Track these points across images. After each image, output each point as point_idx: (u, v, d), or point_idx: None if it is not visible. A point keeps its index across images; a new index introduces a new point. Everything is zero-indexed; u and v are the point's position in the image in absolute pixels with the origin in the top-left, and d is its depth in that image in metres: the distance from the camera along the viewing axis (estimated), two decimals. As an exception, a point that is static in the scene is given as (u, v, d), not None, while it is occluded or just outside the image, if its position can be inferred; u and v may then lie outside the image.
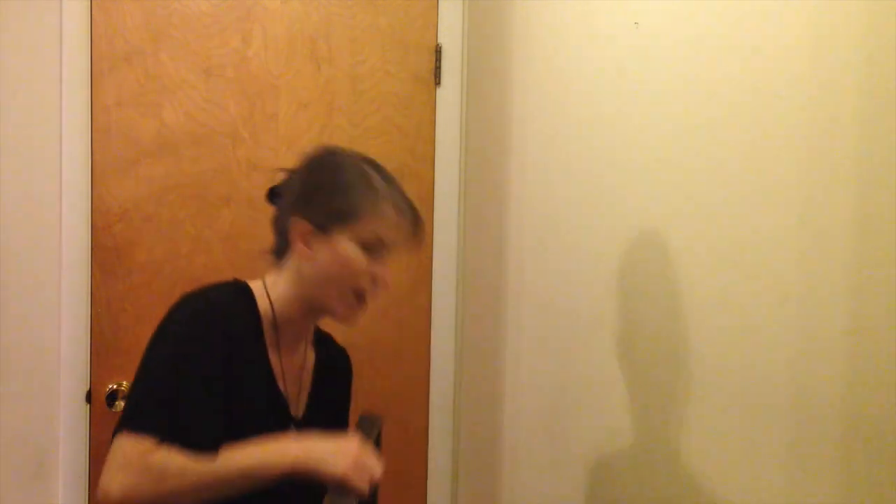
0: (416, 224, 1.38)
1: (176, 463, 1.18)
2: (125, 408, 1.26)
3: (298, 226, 1.35)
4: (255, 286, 1.39)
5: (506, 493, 1.99)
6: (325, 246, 1.33)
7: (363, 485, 1.17)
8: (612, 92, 1.55)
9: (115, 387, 2.15)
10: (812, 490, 1.04)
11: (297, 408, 1.41)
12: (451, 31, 2.36)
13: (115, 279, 2.17)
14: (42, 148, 2.17)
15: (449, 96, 2.36)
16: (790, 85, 1.07)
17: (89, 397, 2.13)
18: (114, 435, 1.22)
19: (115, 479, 1.16)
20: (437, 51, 2.35)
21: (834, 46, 0.99)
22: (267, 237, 1.43)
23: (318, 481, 1.18)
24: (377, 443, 1.36)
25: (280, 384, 1.38)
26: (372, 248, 1.34)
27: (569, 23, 1.75)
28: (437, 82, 2.37)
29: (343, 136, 2.30)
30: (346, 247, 1.32)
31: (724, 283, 1.22)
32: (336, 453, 1.19)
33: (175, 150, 2.22)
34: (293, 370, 1.42)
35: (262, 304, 1.37)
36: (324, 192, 1.37)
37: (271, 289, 1.39)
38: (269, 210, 1.45)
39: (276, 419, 1.36)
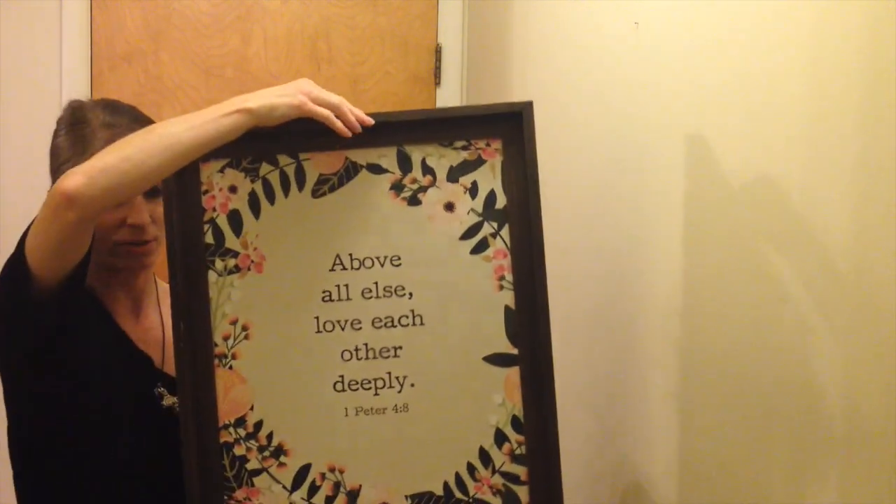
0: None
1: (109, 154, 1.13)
2: None
3: None
4: None
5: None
6: None
7: (324, 112, 1.15)
8: (612, 92, 1.55)
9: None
10: (812, 490, 1.04)
11: (170, 366, 1.30)
12: (451, 31, 2.36)
13: (115, 279, 2.17)
14: (42, 148, 2.17)
15: (449, 96, 2.36)
16: (791, 85, 1.07)
17: (89, 397, 2.13)
18: None
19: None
20: (437, 51, 2.36)
21: (835, 46, 0.99)
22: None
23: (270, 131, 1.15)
24: None
25: (141, 346, 1.33)
26: None
27: (569, 22, 1.76)
28: (437, 82, 2.37)
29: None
30: None
31: (724, 284, 1.22)
32: (281, 92, 1.17)
33: (175, 150, 2.23)
34: (153, 332, 1.36)
35: None
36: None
37: None
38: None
39: (139, 376, 1.31)
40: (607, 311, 1.58)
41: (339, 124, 1.16)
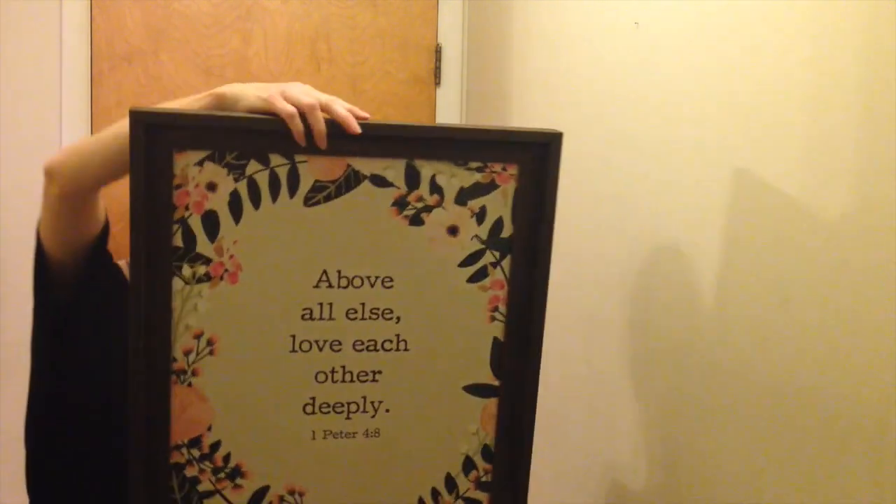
0: None
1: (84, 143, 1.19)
2: None
3: None
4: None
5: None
6: None
7: (287, 107, 1.03)
8: (612, 92, 1.55)
9: (115, 387, 2.15)
10: (812, 490, 1.04)
11: None
12: (451, 31, 2.36)
13: (115, 279, 2.17)
14: (42, 148, 2.17)
15: (449, 96, 2.37)
16: (791, 85, 1.07)
17: (89, 397, 2.13)
18: None
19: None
20: (437, 51, 2.36)
21: (835, 46, 0.99)
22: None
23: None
24: None
25: None
26: None
27: (569, 23, 1.76)
28: (437, 82, 2.37)
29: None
30: None
31: (724, 284, 1.22)
32: (262, 86, 1.09)
33: (175, 150, 2.23)
34: None
35: (125, 268, 1.37)
36: None
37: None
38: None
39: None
40: (607, 311, 1.58)
41: (296, 127, 1.04)
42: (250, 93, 1.08)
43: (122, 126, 1.14)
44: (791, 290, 1.07)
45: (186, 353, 1.09)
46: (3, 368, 2.08)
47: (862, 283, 0.95)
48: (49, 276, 1.25)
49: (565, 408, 1.68)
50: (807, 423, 1.03)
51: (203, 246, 1.07)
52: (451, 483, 1.18)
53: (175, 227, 1.06)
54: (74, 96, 2.18)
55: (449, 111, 2.36)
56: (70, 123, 2.17)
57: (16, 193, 2.14)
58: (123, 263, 1.39)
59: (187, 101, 1.13)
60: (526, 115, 2.01)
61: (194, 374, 1.10)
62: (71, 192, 1.18)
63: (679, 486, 1.35)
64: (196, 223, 1.06)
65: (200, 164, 1.05)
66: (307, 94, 1.07)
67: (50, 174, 1.17)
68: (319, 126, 1.05)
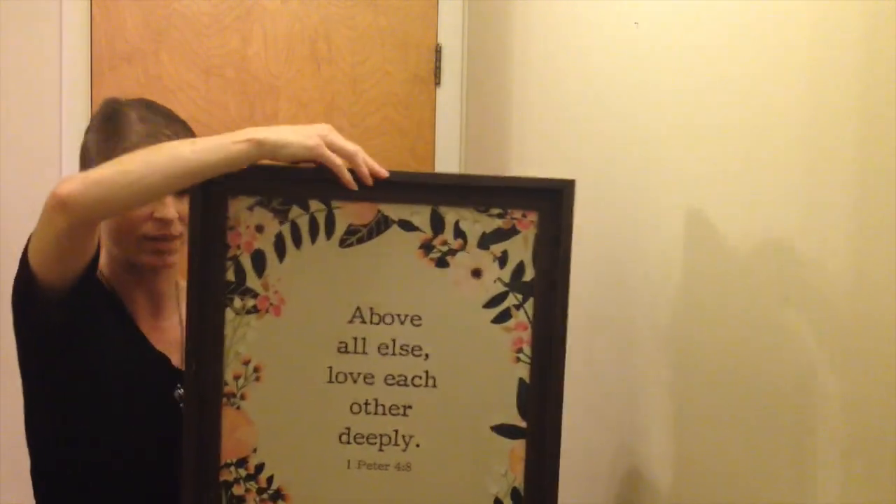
0: None
1: (103, 172, 1.13)
2: None
3: None
4: None
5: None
6: None
7: (336, 160, 1.14)
8: (612, 92, 1.55)
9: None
10: (812, 489, 1.04)
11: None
12: (451, 31, 2.36)
13: (115, 279, 2.17)
14: (42, 148, 2.17)
15: (449, 96, 2.37)
16: (791, 85, 1.07)
17: (89, 397, 2.13)
18: None
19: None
20: (437, 51, 2.36)
21: (835, 46, 0.99)
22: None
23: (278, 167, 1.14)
24: None
25: (159, 346, 1.34)
26: None
27: (569, 22, 1.76)
28: (437, 82, 2.37)
29: (343, 136, 2.30)
30: None
31: (724, 283, 1.22)
32: (299, 131, 1.15)
33: (175, 150, 2.23)
34: (171, 332, 1.38)
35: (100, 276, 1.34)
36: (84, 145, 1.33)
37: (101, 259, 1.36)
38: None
39: (157, 376, 1.33)
40: (608, 311, 1.58)
41: (347, 176, 1.14)
42: (291, 139, 1.13)
43: (153, 159, 1.12)
44: (791, 290, 1.07)
45: (236, 378, 1.18)
46: (3, 368, 2.08)
47: (862, 283, 0.95)
48: (41, 297, 1.21)
49: (565, 408, 1.68)
50: (807, 423, 1.03)
51: (252, 280, 1.18)
52: None
53: (228, 263, 1.17)
54: (74, 96, 2.18)
55: (449, 111, 2.36)
56: (70, 123, 2.17)
57: (15, 193, 2.14)
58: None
59: (220, 142, 1.12)
60: (526, 115, 2.01)
61: (242, 398, 1.18)
62: (81, 225, 1.14)
63: (680, 486, 1.35)
64: (246, 260, 1.18)
65: (251, 208, 1.18)
66: (342, 139, 1.16)
67: (63, 205, 1.10)
68: (363, 170, 1.15)
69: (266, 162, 1.15)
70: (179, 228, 1.30)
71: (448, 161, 2.32)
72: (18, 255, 1.21)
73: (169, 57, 2.25)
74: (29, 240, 1.20)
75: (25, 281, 1.21)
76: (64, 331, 1.25)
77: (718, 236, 1.23)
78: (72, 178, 1.12)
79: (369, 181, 1.15)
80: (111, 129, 1.30)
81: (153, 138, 1.25)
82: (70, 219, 1.11)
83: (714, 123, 1.23)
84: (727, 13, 1.20)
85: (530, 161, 1.95)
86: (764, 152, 1.12)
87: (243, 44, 2.28)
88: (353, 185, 1.14)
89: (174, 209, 1.29)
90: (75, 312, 1.24)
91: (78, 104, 2.18)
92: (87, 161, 1.31)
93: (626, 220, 1.50)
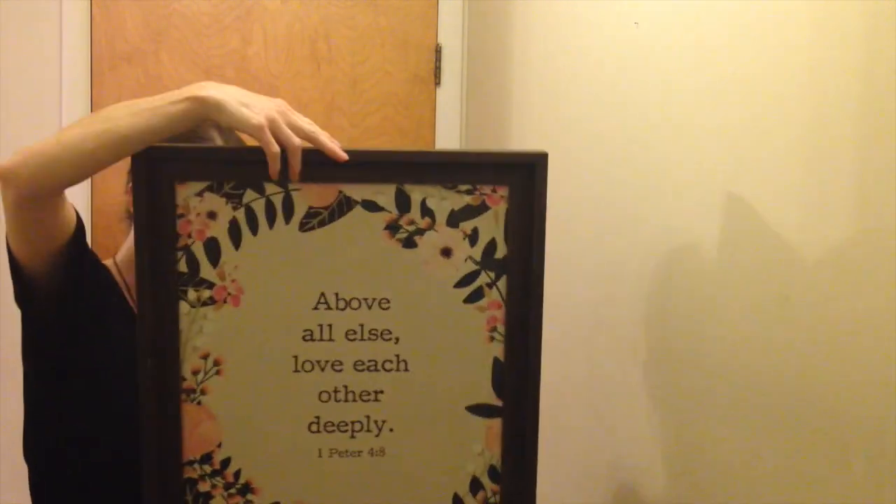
0: None
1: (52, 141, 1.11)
2: None
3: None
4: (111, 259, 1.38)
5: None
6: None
7: (274, 147, 1.05)
8: (612, 92, 1.55)
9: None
10: (811, 489, 1.04)
11: None
12: (451, 31, 2.36)
13: (115, 279, 2.17)
14: (42, 148, 2.17)
15: (449, 96, 2.37)
16: (790, 85, 1.07)
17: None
18: None
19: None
20: (437, 51, 2.36)
21: (835, 46, 0.99)
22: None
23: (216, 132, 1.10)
24: None
25: None
26: None
27: (569, 22, 1.76)
28: (437, 82, 2.37)
29: (343, 136, 2.30)
30: None
31: (724, 283, 1.22)
32: (252, 104, 1.07)
33: (175, 150, 2.23)
34: None
35: (113, 268, 1.35)
36: None
37: (118, 253, 1.37)
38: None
39: None
40: (608, 311, 1.58)
41: (275, 169, 1.07)
42: (237, 112, 1.06)
43: (89, 126, 1.11)
44: (791, 290, 1.07)
45: (195, 373, 1.13)
46: (3, 368, 2.08)
47: (862, 283, 0.95)
48: (30, 289, 1.21)
49: (566, 408, 1.68)
50: (807, 423, 1.03)
51: (206, 271, 1.12)
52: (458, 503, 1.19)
53: (179, 254, 1.11)
54: (74, 96, 2.18)
55: (449, 111, 2.36)
56: (70, 123, 2.17)
57: (16, 193, 2.14)
58: (111, 263, 1.38)
59: (159, 102, 1.08)
60: (526, 115, 2.01)
61: (203, 392, 1.14)
62: (28, 197, 1.12)
63: (680, 486, 1.35)
64: (199, 250, 1.12)
65: (200, 194, 1.11)
66: (296, 126, 1.08)
67: (5, 178, 1.11)
68: (295, 169, 1.08)
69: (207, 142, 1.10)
70: None
71: (448, 161, 2.32)
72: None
73: (169, 57, 2.25)
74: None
75: (12, 269, 1.20)
76: (63, 326, 1.25)
77: (718, 236, 1.22)
78: (16, 152, 1.11)
79: (342, 156, 1.08)
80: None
81: None
82: (15, 191, 1.11)
83: (714, 123, 1.23)
84: (727, 13, 1.20)
85: (530, 161, 1.94)
86: (764, 152, 1.12)
87: (243, 44, 2.28)
88: (275, 177, 1.08)
89: None
90: (69, 302, 1.24)
91: (78, 104, 2.18)
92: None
93: (626, 220, 1.50)
